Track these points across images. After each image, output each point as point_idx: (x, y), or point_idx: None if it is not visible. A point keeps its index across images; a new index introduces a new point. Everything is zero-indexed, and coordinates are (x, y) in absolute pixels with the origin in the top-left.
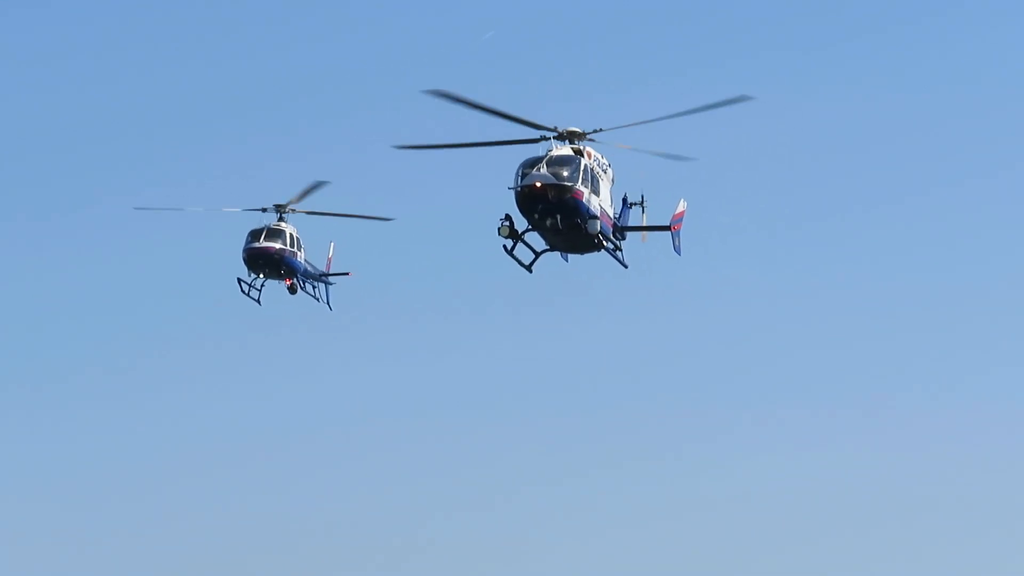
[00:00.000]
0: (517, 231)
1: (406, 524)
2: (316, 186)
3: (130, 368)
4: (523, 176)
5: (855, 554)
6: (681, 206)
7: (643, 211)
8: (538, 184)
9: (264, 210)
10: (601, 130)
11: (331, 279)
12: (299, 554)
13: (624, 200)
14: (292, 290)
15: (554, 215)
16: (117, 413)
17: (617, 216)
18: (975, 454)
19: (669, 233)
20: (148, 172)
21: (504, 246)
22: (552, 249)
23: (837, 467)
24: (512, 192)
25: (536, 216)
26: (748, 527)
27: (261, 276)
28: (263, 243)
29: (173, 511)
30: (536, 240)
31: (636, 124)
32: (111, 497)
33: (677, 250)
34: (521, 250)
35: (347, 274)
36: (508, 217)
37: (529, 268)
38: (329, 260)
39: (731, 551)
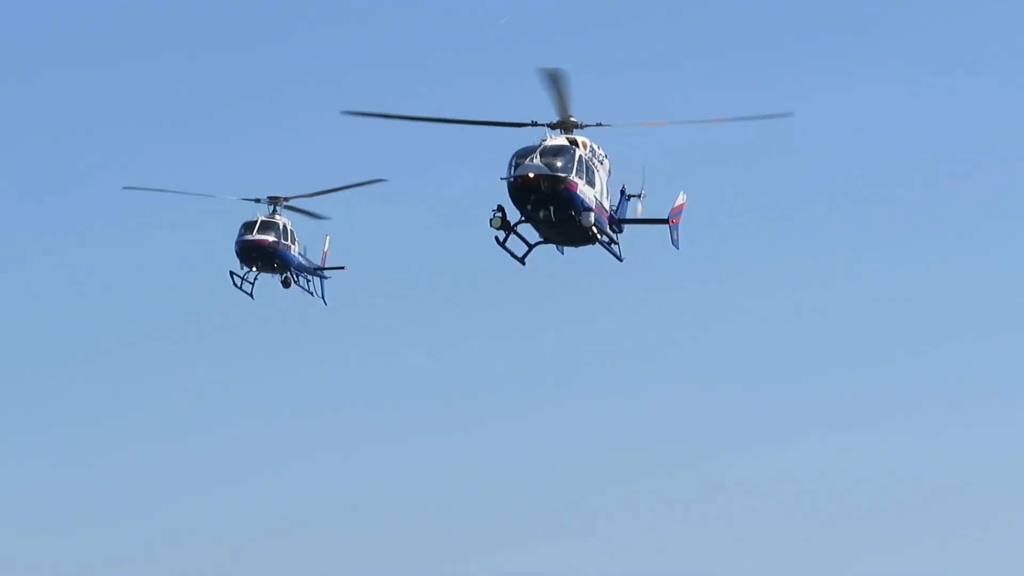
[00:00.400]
0: (509, 222)
1: (402, 516)
2: (372, 182)
3: (116, 360)
4: (516, 166)
5: (854, 548)
6: (680, 199)
7: (640, 202)
8: (531, 175)
9: (258, 200)
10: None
11: (326, 273)
12: (293, 547)
13: (622, 191)
14: (286, 284)
15: (547, 207)
16: (98, 405)
17: (614, 208)
18: (981, 445)
19: (667, 227)
20: (146, 161)
21: (496, 238)
22: (546, 242)
23: (836, 460)
24: (505, 182)
25: (529, 208)
26: (743, 520)
27: (254, 269)
28: (256, 236)
29: (159, 505)
30: (530, 232)
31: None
32: (93, 488)
33: (675, 244)
34: (515, 242)
35: (342, 268)
36: (500, 208)
37: (522, 260)
38: (324, 254)
39: (727, 543)
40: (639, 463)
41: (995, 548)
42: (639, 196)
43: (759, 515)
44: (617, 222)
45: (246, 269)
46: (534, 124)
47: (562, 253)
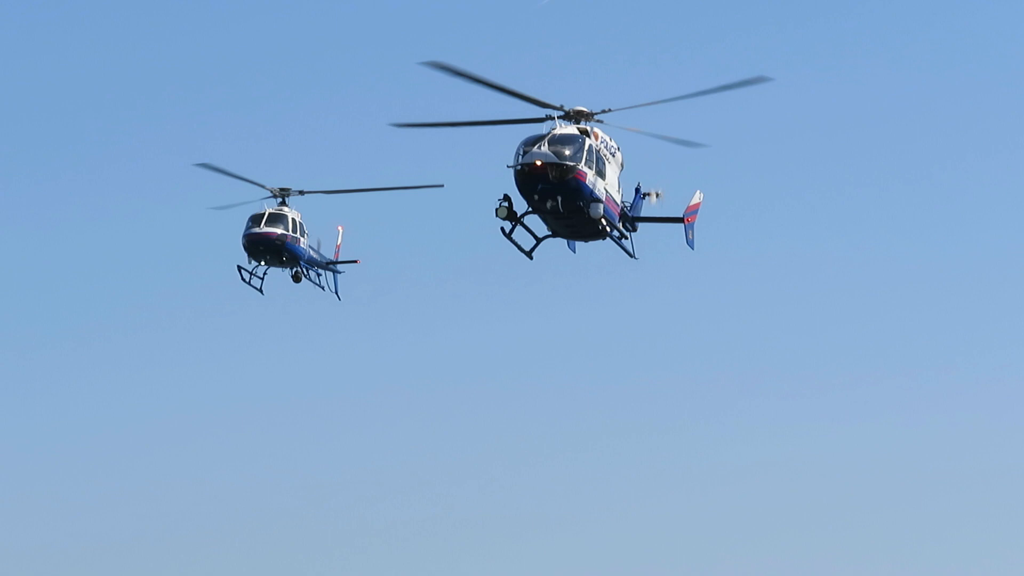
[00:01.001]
0: (516, 213)
1: (415, 507)
2: (429, 187)
3: (116, 355)
4: (523, 154)
5: (860, 542)
6: (697, 197)
7: (659, 200)
8: (538, 163)
9: (271, 191)
10: (610, 110)
11: (339, 267)
12: (302, 535)
13: (637, 189)
14: (296, 279)
15: (554, 197)
16: (98, 404)
17: (627, 204)
18: (981, 436)
19: (682, 226)
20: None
21: (502, 228)
22: (554, 235)
23: (838, 453)
24: (511, 171)
25: (536, 197)
26: (748, 511)
27: (262, 264)
28: (264, 228)
29: (162, 496)
30: (539, 225)
31: (648, 104)
32: (89, 477)
33: (690, 243)
34: (522, 235)
35: (355, 262)
36: (507, 197)
37: (529, 254)
38: (337, 247)
39: (731, 535)
40: (643, 457)
41: (996, 541)
42: (656, 194)
43: (763, 507)
44: (631, 220)
45: (254, 263)
46: (560, 108)
47: (574, 251)
